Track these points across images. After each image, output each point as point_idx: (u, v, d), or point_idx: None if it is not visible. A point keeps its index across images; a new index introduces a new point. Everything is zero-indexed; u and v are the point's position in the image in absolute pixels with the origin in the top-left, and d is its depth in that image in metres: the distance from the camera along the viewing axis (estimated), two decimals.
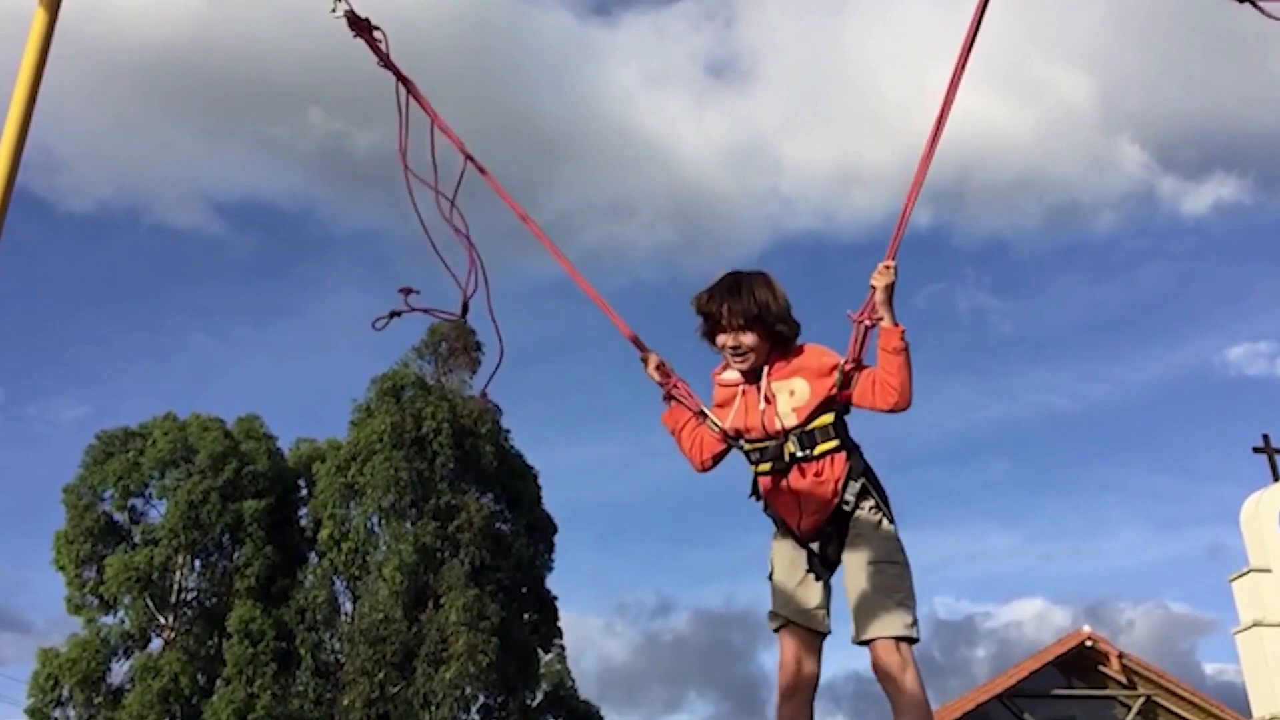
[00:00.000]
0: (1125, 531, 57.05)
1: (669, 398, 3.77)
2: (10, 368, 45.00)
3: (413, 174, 3.95)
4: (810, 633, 3.56)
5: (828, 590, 3.59)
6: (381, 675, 23.72)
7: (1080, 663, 20.72)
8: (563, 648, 27.38)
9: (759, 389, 3.61)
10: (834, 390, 3.53)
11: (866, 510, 3.52)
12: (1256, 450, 19.25)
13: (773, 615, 3.61)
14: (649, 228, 51.03)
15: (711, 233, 53.50)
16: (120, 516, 26.40)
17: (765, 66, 58.55)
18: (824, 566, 3.58)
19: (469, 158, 4.01)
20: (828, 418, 3.55)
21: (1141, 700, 20.37)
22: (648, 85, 57.99)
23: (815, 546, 3.57)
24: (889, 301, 3.43)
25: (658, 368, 3.76)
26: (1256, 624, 17.69)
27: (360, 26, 3.88)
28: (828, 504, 3.51)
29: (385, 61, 3.95)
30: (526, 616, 26.44)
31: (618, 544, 52.85)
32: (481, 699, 24.84)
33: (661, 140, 55.00)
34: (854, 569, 3.49)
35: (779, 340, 3.64)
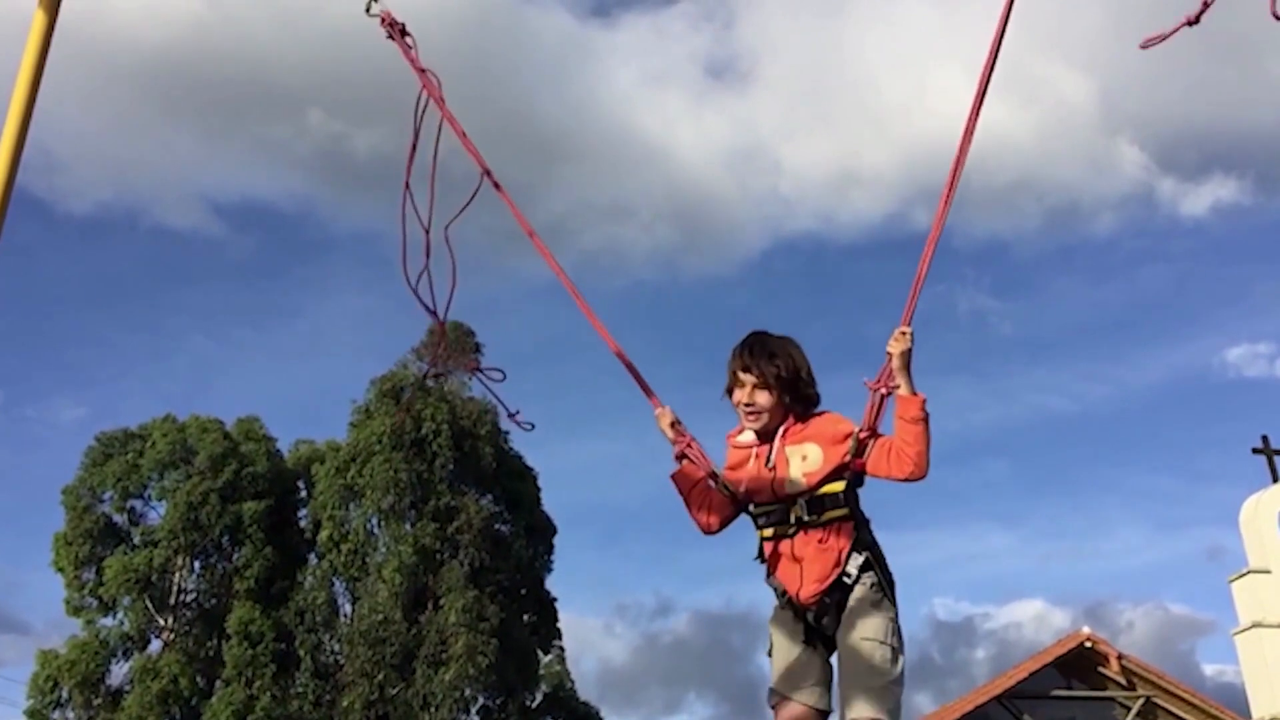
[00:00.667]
0: (1125, 532, 57.11)
1: (681, 457, 3.72)
2: (9, 369, 45.04)
3: (411, 195, 3.93)
4: (806, 709, 3.49)
5: (827, 667, 3.52)
6: (381, 676, 23.71)
7: (1080, 664, 20.72)
8: (562, 649, 27.42)
9: (772, 452, 3.57)
10: (847, 458, 3.47)
11: (868, 587, 3.44)
12: (1256, 451, 19.27)
13: (771, 691, 3.55)
14: (648, 229, 51.09)
15: (711, 234, 53.58)
16: (119, 518, 26.40)
17: (764, 68, 58.61)
18: (821, 641, 3.52)
19: (487, 173, 4.00)
20: (838, 485, 3.48)
21: (1141, 701, 20.36)
22: (647, 86, 58.05)
23: (812, 618, 3.49)
24: (906, 368, 3.37)
25: (672, 425, 3.72)
26: (1256, 625, 17.70)
27: (396, 30, 3.88)
28: (829, 573, 3.44)
29: (416, 68, 3.93)
30: (526, 618, 26.44)
31: (617, 545, 52.90)
32: (481, 700, 24.85)
33: (661, 141, 55.06)
34: (846, 645, 3.41)
35: (795, 404, 3.60)
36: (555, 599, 27.41)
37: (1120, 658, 20.61)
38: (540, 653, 26.78)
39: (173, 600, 25.76)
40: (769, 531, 3.55)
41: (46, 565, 25.83)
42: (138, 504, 26.63)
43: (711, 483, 3.66)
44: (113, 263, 48.59)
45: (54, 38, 3.39)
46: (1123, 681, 20.56)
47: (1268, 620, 17.64)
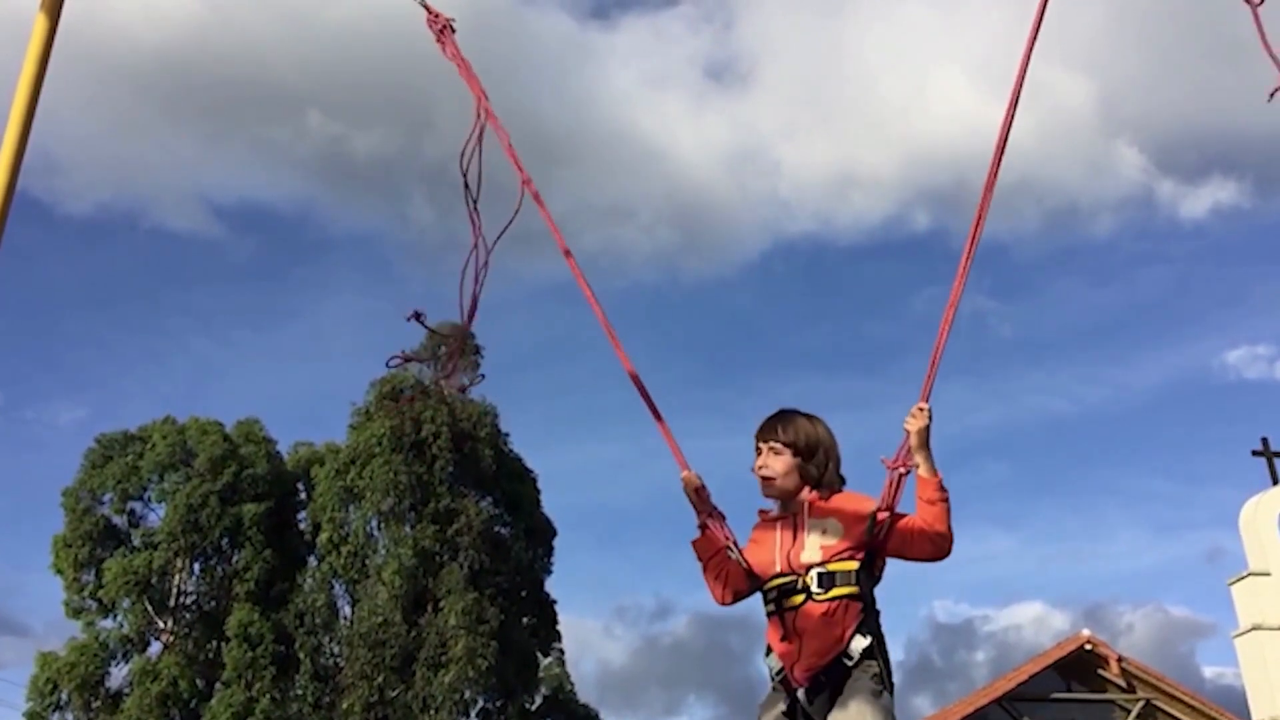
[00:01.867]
0: (1124, 535, 57.09)
1: (703, 527, 3.68)
2: (9, 370, 45.03)
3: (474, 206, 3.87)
4: None
5: None
6: (380, 679, 23.70)
7: (1080, 666, 20.72)
8: (562, 651, 27.39)
9: (794, 525, 3.54)
10: (865, 536, 3.43)
11: (868, 675, 3.33)
12: (1255, 453, 19.25)
13: None
14: (648, 230, 51.06)
15: (711, 236, 53.58)
16: (119, 520, 26.39)
17: (764, 69, 58.59)
18: None
19: (527, 183, 3.98)
20: (852, 564, 3.42)
21: (1141, 704, 20.36)
22: (647, 88, 58.03)
23: (804, 698, 3.38)
24: (925, 446, 3.32)
25: (697, 490, 3.68)
26: (1256, 627, 17.68)
27: (443, 30, 3.86)
28: (830, 650, 3.35)
29: (463, 69, 3.93)
30: (525, 620, 26.43)
31: (617, 547, 52.86)
32: (481, 702, 24.83)
33: (660, 143, 55.05)
34: None
35: (813, 475, 3.56)
36: (555, 601, 27.43)
37: (1120, 660, 20.60)
38: (540, 655, 26.77)
39: (172, 602, 25.75)
40: (774, 607, 3.48)
41: (46, 567, 25.86)
42: (137, 506, 26.64)
43: (729, 554, 3.61)
44: (112, 264, 48.61)
45: (55, 40, 3.39)
46: (1123, 684, 20.56)
47: (1268, 623, 17.62)
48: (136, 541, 26.07)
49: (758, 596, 3.59)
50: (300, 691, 24.60)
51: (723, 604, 3.63)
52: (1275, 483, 18.87)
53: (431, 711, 23.61)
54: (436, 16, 3.93)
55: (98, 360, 47.16)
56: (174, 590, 25.85)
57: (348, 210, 48.99)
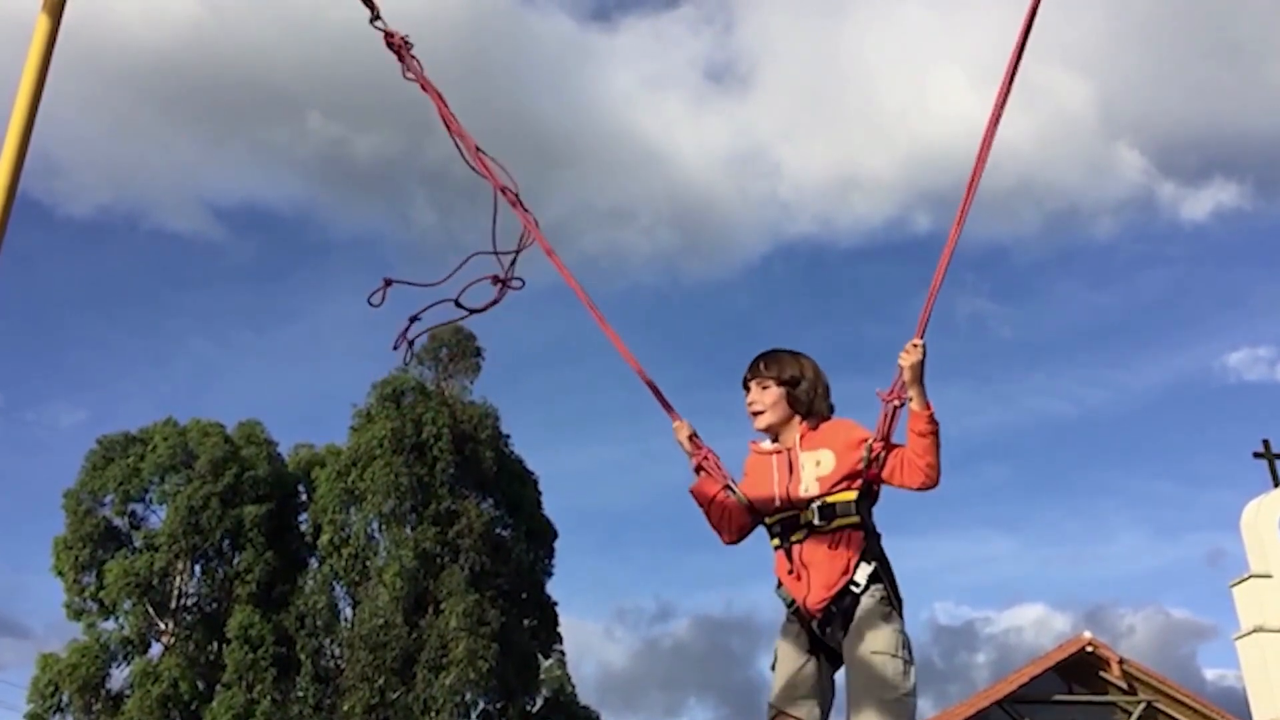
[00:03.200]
0: (1126, 537, 57.08)
1: (699, 469, 3.79)
2: (9, 372, 45.05)
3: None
4: None
5: (826, 685, 3.52)
6: (381, 681, 23.70)
7: (1081, 668, 20.68)
8: (562, 653, 27.40)
9: (789, 458, 3.63)
10: (860, 465, 3.52)
11: (876, 599, 3.43)
12: (1257, 455, 19.20)
13: (770, 706, 3.53)
14: (648, 232, 51.03)
15: (711, 238, 53.57)
16: (120, 522, 26.41)
17: (764, 71, 58.60)
18: (826, 656, 3.51)
19: (502, 190, 3.98)
20: (850, 494, 3.52)
21: (1142, 706, 20.33)
22: (647, 90, 58.06)
23: (818, 627, 3.48)
24: (918, 380, 3.41)
25: (689, 438, 3.80)
26: (1257, 630, 17.65)
27: (399, 49, 3.89)
28: (837, 580, 3.44)
29: (421, 82, 3.93)
30: (526, 622, 26.43)
31: (618, 549, 52.86)
32: (481, 704, 24.84)
33: (661, 145, 55.05)
34: (855, 658, 3.38)
35: (801, 407, 3.68)
36: (556, 603, 27.44)
37: (1122, 662, 20.56)
38: (541, 657, 26.77)
39: (173, 604, 25.76)
40: (779, 541, 3.58)
41: (47, 569, 25.88)
42: (138, 508, 26.66)
43: (728, 493, 3.71)
44: (113, 266, 48.61)
45: (56, 42, 3.39)
46: (1124, 686, 20.52)
47: (1269, 625, 17.60)
48: (137, 543, 26.09)
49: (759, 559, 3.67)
50: (301, 693, 24.60)
51: (729, 542, 3.74)
52: (1276, 485, 18.83)
53: (432, 713, 23.61)
54: (392, 36, 3.96)
55: (99, 362, 47.21)
56: (175, 592, 25.85)
57: (348, 212, 49.03)
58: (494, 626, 24.08)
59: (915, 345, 3.42)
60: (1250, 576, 18.06)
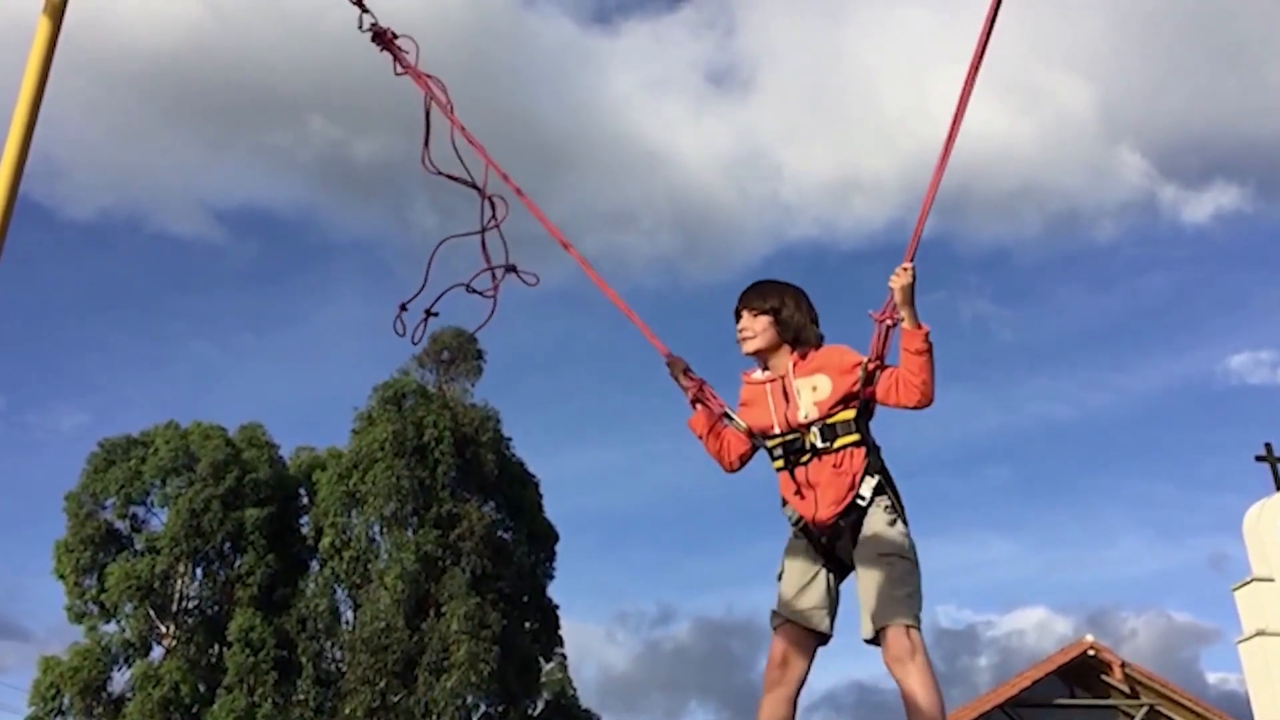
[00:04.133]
0: (1127, 540, 57.02)
1: (695, 401, 3.90)
2: (11, 375, 45.07)
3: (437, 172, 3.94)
4: (805, 632, 3.61)
5: (833, 594, 3.65)
6: (383, 684, 23.67)
7: (1083, 672, 20.66)
8: (564, 656, 27.35)
9: (783, 386, 3.74)
10: (856, 387, 3.63)
11: (881, 508, 3.57)
12: (1259, 459, 19.19)
13: (774, 614, 3.67)
14: (650, 235, 51.11)
15: (712, 240, 53.60)
16: (121, 524, 26.39)
17: (765, 74, 58.68)
18: (835, 565, 3.65)
19: (504, 177, 4.10)
20: (849, 413, 3.64)
21: (1144, 710, 20.30)
22: (648, 93, 58.13)
23: (826, 541, 3.62)
24: (909, 302, 3.52)
25: (685, 372, 3.91)
26: (1259, 633, 17.63)
27: (385, 39, 3.90)
28: (844, 496, 3.57)
29: (412, 73, 3.98)
30: (527, 625, 26.41)
31: (619, 552, 52.85)
32: (483, 708, 24.80)
33: (662, 148, 55.10)
34: (865, 563, 3.52)
35: (789, 333, 3.79)
36: (557, 606, 27.40)
37: (1124, 666, 20.54)
38: (542, 660, 26.74)
39: (174, 607, 25.74)
40: (782, 463, 3.69)
41: (48, 572, 25.84)
42: (140, 510, 26.64)
43: (725, 422, 3.84)
44: (114, 269, 48.65)
45: (57, 44, 3.39)
46: (1126, 690, 20.50)
47: (1271, 629, 17.57)
48: (139, 546, 26.07)
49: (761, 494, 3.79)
50: (302, 696, 24.57)
51: (729, 470, 3.89)
52: (1278, 488, 18.83)
53: (434, 717, 23.58)
54: (377, 28, 4.01)
55: (100, 365, 47.21)
56: (176, 595, 25.83)
57: (349, 215, 49.05)
58: (495, 630, 24.06)
59: (905, 269, 3.52)
60: (1252, 580, 18.04)
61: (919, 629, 3.46)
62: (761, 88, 58.77)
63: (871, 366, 3.62)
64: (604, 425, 54.07)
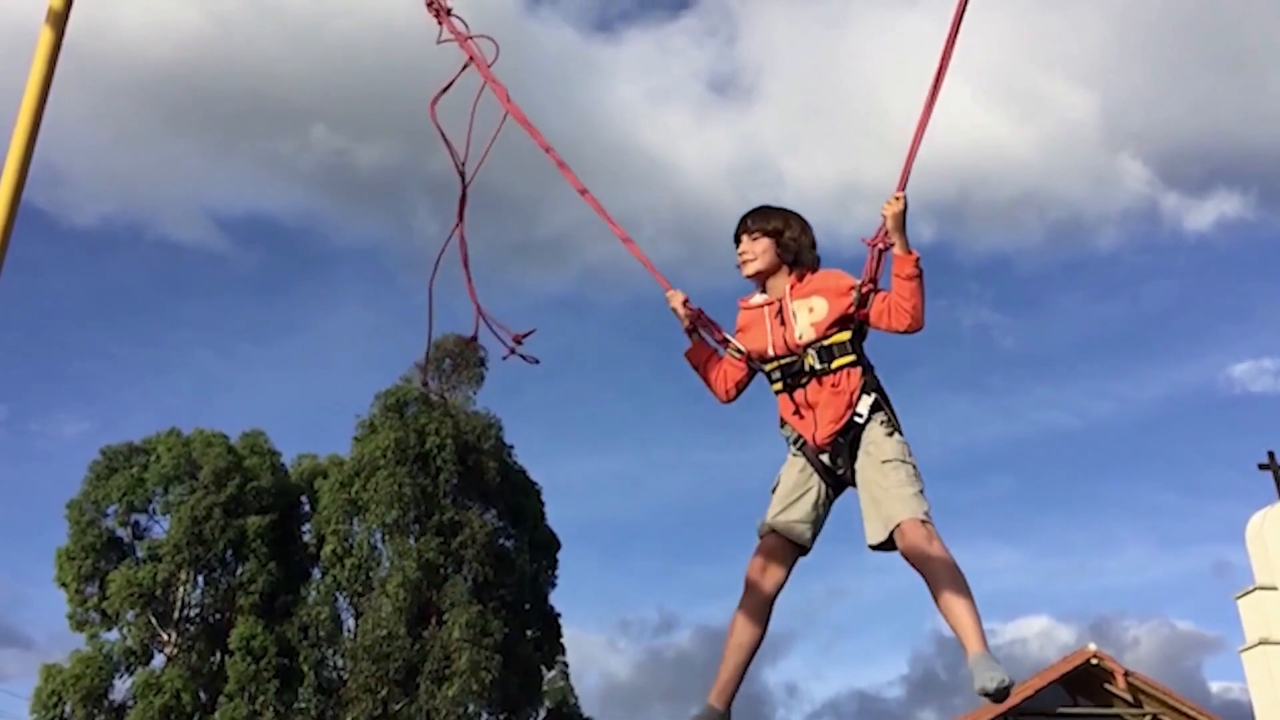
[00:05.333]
0: (1130, 549, 56.92)
1: (692, 330, 4.01)
2: (13, 383, 45.07)
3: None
4: (788, 544, 3.70)
5: (819, 510, 3.74)
6: (384, 692, 23.64)
7: (1086, 681, 20.62)
8: (565, 664, 27.32)
9: (780, 309, 3.84)
10: (851, 309, 3.74)
11: (878, 424, 3.68)
12: (1262, 467, 19.18)
13: (762, 524, 3.76)
14: (652, 243, 51.10)
15: (714, 248, 53.50)
16: (123, 532, 26.37)
17: (767, 82, 58.76)
18: (832, 481, 3.72)
19: (548, 150, 4.35)
20: (845, 334, 3.75)
21: (1148, 719, 20.26)
22: (650, 101, 58.21)
23: (827, 459, 3.71)
24: (901, 229, 3.61)
25: (684, 303, 4.03)
26: (1263, 642, 17.61)
27: (437, 12, 3.97)
28: (843, 414, 3.68)
29: (459, 39, 4.21)
30: (529, 633, 26.37)
31: (621, 560, 52.77)
32: (484, 716, 24.76)
33: (664, 156, 55.17)
34: (868, 472, 3.62)
35: (788, 256, 3.90)
36: (559, 614, 27.37)
37: (1127, 675, 20.49)
38: (544, 668, 26.70)
39: (176, 615, 25.71)
40: (780, 385, 3.79)
41: (49, 580, 25.82)
42: (142, 518, 26.63)
43: (722, 349, 3.95)
44: (117, 276, 48.70)
45: (60, 53, 3.40)
46: (1129, 699, 20.45)
47: (1274, 637, 17.55)
48: (141, 554, 26.05)
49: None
50: (304, 705, 24.53)
51: (725, 400, 3.95)
52: None
53: None
54: (433, 3, 4.11)
55: (102, 372, 47.28)
56: (178, 603, 25.81)
57: (352, 223, 49.13)
58: (497, 638, 24.03)
59: (897, 197, 3.62)
60: (1255, 589, 18.02)
61: (932, 524, 3.55)
62: (763, 96, 58.90)
63: (865, 289, 3.73)
64: (606, 433, 54.10)
